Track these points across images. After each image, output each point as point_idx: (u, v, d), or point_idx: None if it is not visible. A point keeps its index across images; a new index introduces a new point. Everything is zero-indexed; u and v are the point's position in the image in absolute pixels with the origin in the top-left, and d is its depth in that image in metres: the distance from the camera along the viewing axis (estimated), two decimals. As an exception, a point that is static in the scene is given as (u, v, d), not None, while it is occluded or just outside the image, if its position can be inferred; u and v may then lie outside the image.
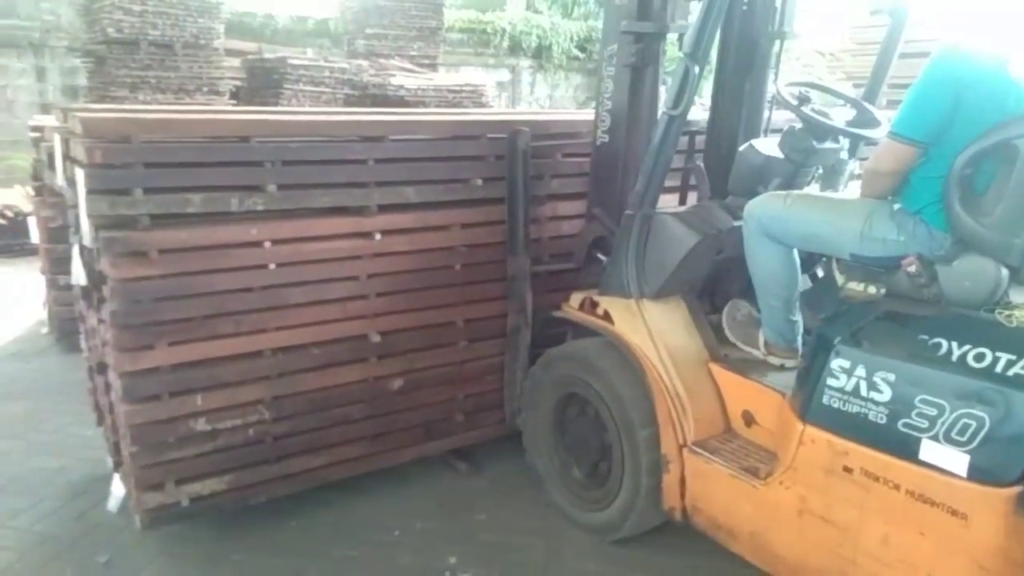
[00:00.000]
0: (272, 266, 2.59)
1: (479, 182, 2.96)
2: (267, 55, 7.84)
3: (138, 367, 2.42)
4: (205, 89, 7.04)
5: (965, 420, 1.77)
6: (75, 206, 2.50)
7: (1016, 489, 1.70)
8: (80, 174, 2.34)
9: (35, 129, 4.27)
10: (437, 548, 2.66)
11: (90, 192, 2.31)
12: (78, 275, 2.68)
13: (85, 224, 2.40)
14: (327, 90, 7.05)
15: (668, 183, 2.80)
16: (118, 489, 2.77)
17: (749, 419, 2.44)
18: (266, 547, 2.65)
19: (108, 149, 2.30)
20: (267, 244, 2.56)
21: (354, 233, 2.74)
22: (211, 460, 2.59)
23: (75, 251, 2.69)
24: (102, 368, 2.70)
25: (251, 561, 2.58)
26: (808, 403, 2.08)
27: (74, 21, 8.46)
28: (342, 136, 2.73)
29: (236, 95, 7.45)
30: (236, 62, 7.71)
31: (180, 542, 2.66)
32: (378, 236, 2.76)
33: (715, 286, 2.86)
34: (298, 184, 2.62)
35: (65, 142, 2.59)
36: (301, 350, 2.70)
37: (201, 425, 2.55)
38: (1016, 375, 1.72)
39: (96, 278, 2.51)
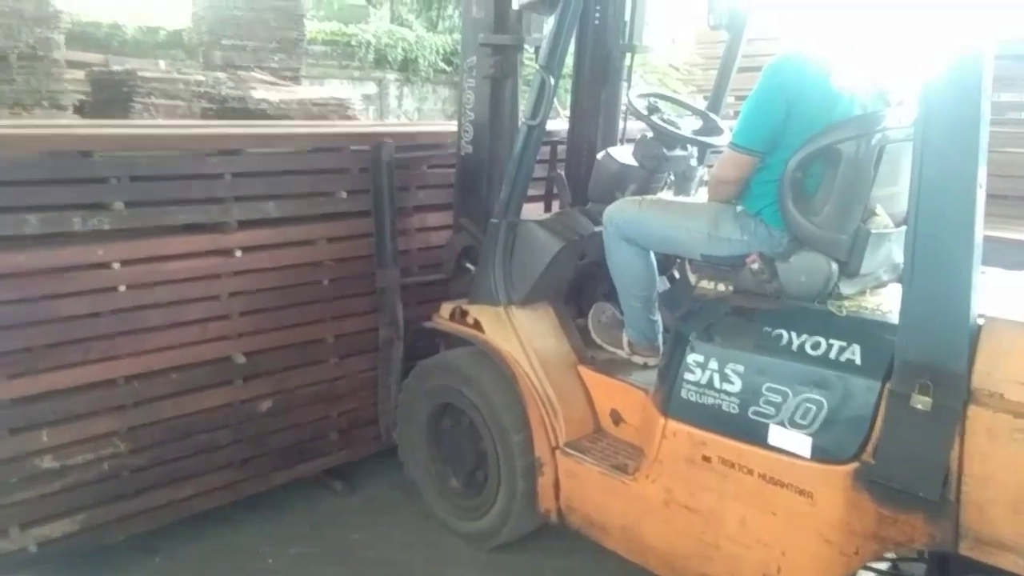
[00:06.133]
0: (122, 288, 2.45)
1: (344, 195, 2.91)
2: (115, 67, 7.39)
3: (-28, 404, 2.23)
4: (45, 103, 6.55)
5: (806, 404, 1.91)
6: None
7: (853, 465, 1.84)
8: None
9: None
10: (313, 571, 2.59)
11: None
12: None
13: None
14: (182, 103, 6.71)
15: (532, 192, 2.87)
16: (-47, 539, 2.53)
17: (617, 417, 2.53)
18: (127, 587, 2.50)
19: (-71, 168, 2.12)
20: (116, 265, 2.42)
21: (212, 251, 2.63)
22: (61, 499, 2.42)
23: None
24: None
25: (110, 604, 2.43)
26: (668, 398, 2.17)
27: None
28: (195, 150, 2.62)
29: (81, 109, 6.98)
30: (80, 74, 7.23)
31: (28, 591, 2.46)
32: (239, 253, 2.67)
33: (580, 290, 2.95)
34: (148, 201, 2.49)
35: None
36: (159, 376, 2.57)
37: (48, 462, 2.37)
38: (848, 360, 1.88)
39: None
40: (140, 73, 6.76)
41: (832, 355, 1.89)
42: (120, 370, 2.48)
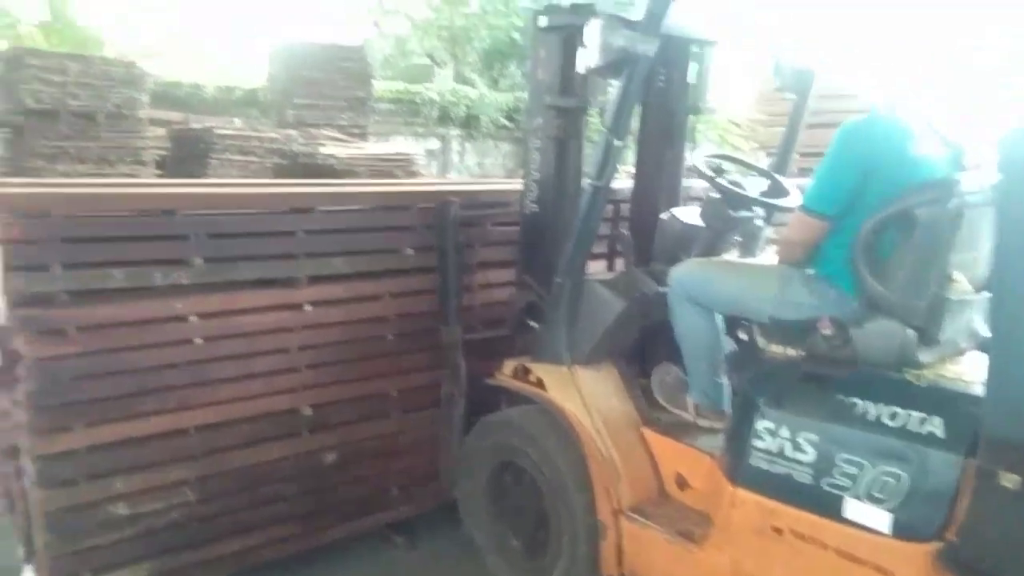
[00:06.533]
0: (198, 340, 2.53)
1: (410, 252, 2.97)
2: (194, 125, 7.78)
3: (54, 450, 2.32)
4: (128, 159, 6.92)
5: (884, 478, 1.83)
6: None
7: (935, 544, 1.76)
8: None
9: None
10: (372, 629, 2.58)
11: (8, 269, 2.23)
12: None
13: (-1, 302, 2.32)
14: (255, 159, 7.02)
15: (596, 250, 2.88)
16: (29, 582, 2.60)
17: (682, 482, 2.47)
18: (190, 638, 2.52)
19: (26, 224, 2.24)
20: (193, 318, 2.51)
21: (283, 305, 2.70)
22: (131, 547, 2.47)
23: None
24: (14, 452, 2.56)
25: (173, 654, 2.45)
26: (736, 465, 2.12)
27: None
28: (270, 208, 2.72)
29: (161, 165, 7.35)
30: (161, 132, 7.63)
31: (95, 637, 2.50)
32: (308, 308, 2.73)
33: (644, 351, 2.91)
34: (225, 257, 2.58)
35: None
36: (229, 427, 2.62)
37: (121, 509, 2.44)
38: (929, 432, 1.81)
39: (10, 357, 2.41)
40: (217, 130, 7.13)
41: (912, 427, 1.82)
42: (192, 420, 2.55)
